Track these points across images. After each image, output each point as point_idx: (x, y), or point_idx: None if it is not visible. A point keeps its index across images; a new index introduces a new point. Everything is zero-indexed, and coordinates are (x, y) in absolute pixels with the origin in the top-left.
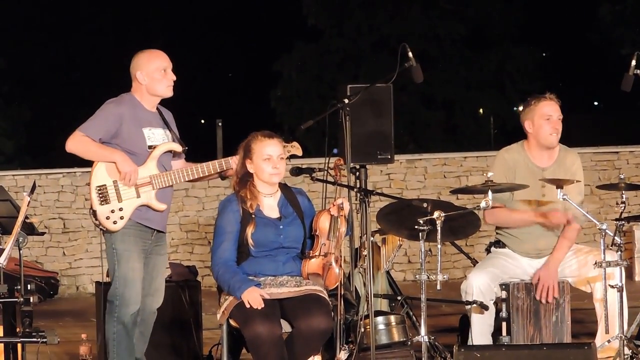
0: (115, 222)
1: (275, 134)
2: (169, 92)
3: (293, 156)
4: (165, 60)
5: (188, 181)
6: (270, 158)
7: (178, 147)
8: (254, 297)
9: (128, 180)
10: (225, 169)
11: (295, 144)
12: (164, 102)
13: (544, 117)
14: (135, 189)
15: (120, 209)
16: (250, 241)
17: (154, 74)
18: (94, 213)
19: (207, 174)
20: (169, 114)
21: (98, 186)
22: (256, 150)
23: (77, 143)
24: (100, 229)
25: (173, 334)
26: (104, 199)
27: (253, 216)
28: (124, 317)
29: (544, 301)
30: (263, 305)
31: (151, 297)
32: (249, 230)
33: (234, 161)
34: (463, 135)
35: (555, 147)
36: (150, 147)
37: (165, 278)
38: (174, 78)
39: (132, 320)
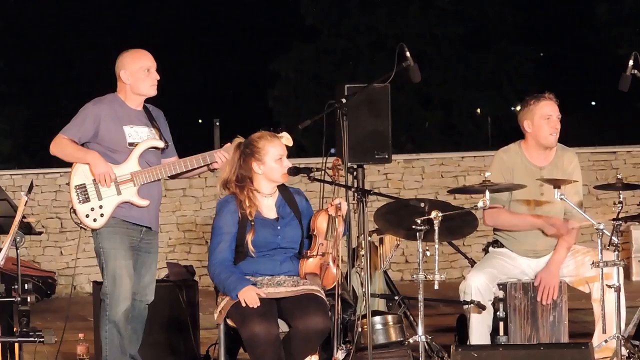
0: (95, 220)
1: (271, 134)
2: (152, 91)
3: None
4: (149, 59)
5: (172, 176)
6: (282, 158)
7: (159, 144)
8: (250, 296)
9: (104, 182)
10: (209, 162)
11: (285, 134)
12: (161, 102)
13: (544, 117)
14: (115, 187)
15: (100, 207)
16: (250, 247)
17: (137, 73)
18: (74, 212)
19: (190, 168)
20: (158, 111)
21: (77, 185)
22: (268, 151)
23: (56, 145)
24: (82, 228)
25: (170, 334)
26: (84, 197)
27: (252, 223)
28: (115, 316)
29: (544, 302)
30: (259, 304)
31: (140, 294)
32: (249, 237)
33: (218, 155)
34: (460, 135)
35: (554, 147)
36: (131, 144)
37: (156, 276)
38: (158, 77)
39: (124, 318)
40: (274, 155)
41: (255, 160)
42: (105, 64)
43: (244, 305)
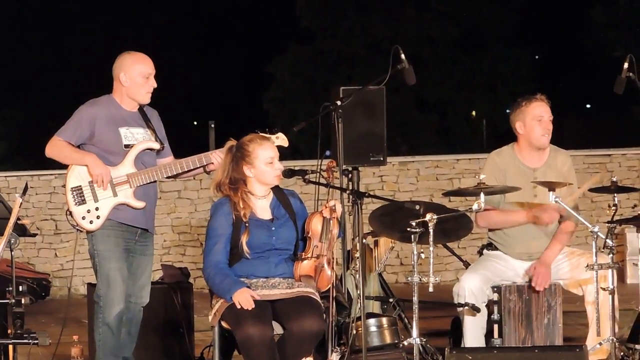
0: (91, 222)
1: (265, 134)
2: (146, 99)
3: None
4: (149, 66)
5: (169, 177)
6: (272, 161)
7: (155, 145)
8: (244, 298)
9: (100, 183)
10: (205, 163)
11: (280, 134)
12: (156, 104)
13: (536, 118)
14: (111, 188)
15: (97, 209)
16: (245, 248)
17: (136, 78)
18: (70, 214)
19: (186, 170)
20: (153, 112)
21: (73, 187)
22: (258, 154)
23: (52, 147)
24: (78, 230)
25: (165, 336)
26: (80, 199)
27: (247, 225)
28: (108, 318)
29: (538, 288)
30: (253, 306)
31: (136, 297)
32: (243, 238)
33: (214, 156)
34: (455, 137)
35: (546, 148)
36: (127, 146)
37: (151, 278)
38: (155, 85)
39: (117, 320)
40: (264, 158)
41: (246, 164)
42: (100, 65)
43: (238, 307)
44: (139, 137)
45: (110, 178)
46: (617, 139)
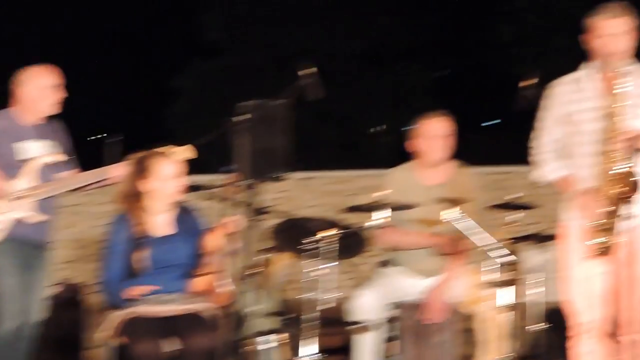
0: None
1: (169, 150)
2: (52, 110)
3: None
4: (51, 77)
5: (69, 191)
6: (173, 176)
7: (57, 159)
8: (138, 289)
9: None
10: (106, 177)
11: (184, 147)
12: (60, 118)
13: (433, 135)
14: (10, 203)
15: None
16: (142, 264)
17: (35, 90)
18: None
19: (86, 183)
20: (58, 125)
21: None
22: (155, 170)
23: None
24: None
25: (57, 353)
26: None
27: (144, 240)
28: (1, 334)
29: (430, 321)
30: (150, 290)
31: (29, 312)
32: (141, 254)
33: (115, 170)
34: (358, 153)
35: (448, 165)
36: (25, 160)
37: (44, 294)
38: (62, 95)
39: (10, 337)
40: (164, 173)
41: (146, 178)
42: None
43: (133, 296)
44: (37, 152)
45: (8, 192)
46: (517, 156)
